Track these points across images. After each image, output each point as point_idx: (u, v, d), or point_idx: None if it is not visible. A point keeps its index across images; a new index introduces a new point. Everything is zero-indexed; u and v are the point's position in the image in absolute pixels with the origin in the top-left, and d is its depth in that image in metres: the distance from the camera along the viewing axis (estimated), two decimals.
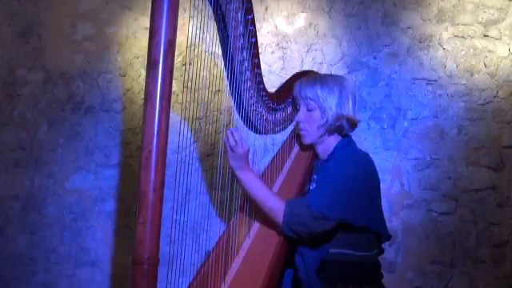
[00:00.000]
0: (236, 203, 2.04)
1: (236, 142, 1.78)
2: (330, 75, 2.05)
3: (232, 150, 1.79)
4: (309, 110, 1.94)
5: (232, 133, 1.79)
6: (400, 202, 2.82)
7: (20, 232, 3.06)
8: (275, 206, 1.78)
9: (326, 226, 1.75)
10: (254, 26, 1.84)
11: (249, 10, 1.79)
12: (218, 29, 1.78)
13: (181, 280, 1.55)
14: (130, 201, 2.98)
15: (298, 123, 2.02)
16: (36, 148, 3.10)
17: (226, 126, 2.62)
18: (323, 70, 2.88)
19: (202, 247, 1.76)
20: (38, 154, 3.09)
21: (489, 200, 2.77)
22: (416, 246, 2.79)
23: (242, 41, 1.83)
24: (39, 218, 3.06)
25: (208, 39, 1.70)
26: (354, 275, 1.83)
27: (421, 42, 2.88)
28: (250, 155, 1.85)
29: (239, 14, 1.77)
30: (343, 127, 1.95)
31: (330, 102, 1.90)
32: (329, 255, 1.81)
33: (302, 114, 1.97)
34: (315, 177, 1.96)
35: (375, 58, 2.90)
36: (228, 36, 1.78)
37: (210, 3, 1.67)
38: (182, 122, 1.96)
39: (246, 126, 2.04)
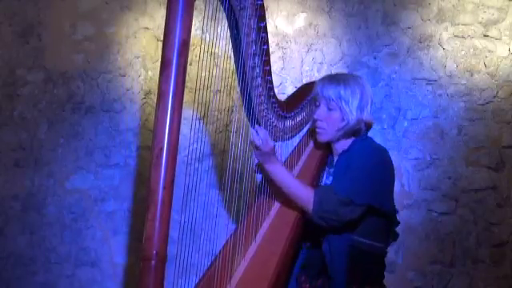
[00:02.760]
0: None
1: (261, 140, 1.81)
2: (352, 76, 2.06)
3: (257, 148, 1.82)
4: (329, 110, 1.95)
5: (257, 131, 1.82)
6: (400, 202, 2.81)
7: (20, 232, 3.06)
8: (304, 194, 1.81)
9: (354, 213, 1.78)
10: (267, 34, 1.86)
11: (262, 18, 1.81)
12: (231, 35, 1.80)
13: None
14: (130, 200, 2.99)
15: (315, 120, 2.01)
16: (36, 148, 3.10)
17: (227, 126, 2.62)
18: (323, 70, 2.88)
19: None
20: (37, 154, 3.09)
21: (489, 200, 2.77)
22: (416, 246, 2.79)
23: (254, 47, 1.84)
24: (39, 218, 3.06)
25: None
26: (373, 268, 1.87)
27: (421, 42, 2.88)
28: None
29: (252, 20, 1.78)
30: (361, 130, 1.97)
31: (352, 106, 1.91)
32: (354, 242, 1.84)
33: (321, 112, 1.97)
34: (331, 170, 2.00)
35: (375, 58, 2.90)
36: (240, 42, 1.80)
37: (224, 9, 1.69)
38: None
39: None
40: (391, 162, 1.94)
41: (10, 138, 3.12)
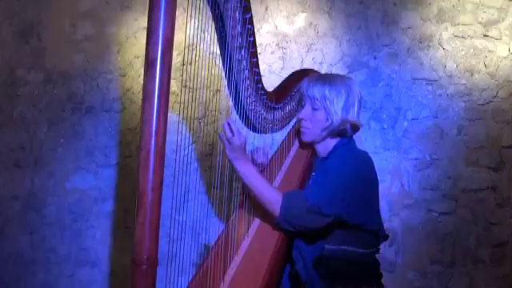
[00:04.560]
0: (235, 202, 2.04)
1: (233, 133, 1.78)
2: (339, 76, 2.02)
3: (228, 141, 1.79)
4: (314, 109, 1.93)
5: (229, 124, 1.79)
6: (400, 202, 2.82)
7: (20, 232, 3.06)
8: (272, 197, 1.78)
9: (321, 222, 1.74)
10: (253, 25, 1.82)
11: (247, 9, 1.77)
12: (216, 28, 1.76)
13: (180, 279, 1.54)
14: (130, 200, 2.98)
15: (300, 120, 2.00)
16: (36, 148, 3.10)
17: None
18: (323, 70, 2.88)
19: (201, 246, 1.76)
20: (37, 154, 3.10)
21: (489, 200, 2.76)
22: (416, 246, 2.79)
23: (240, 40, 1.81)
24: (39, 218, 3.06)
25: (207, 39, 1.69)
26: (352, 273, 1.83)
27: (421, 42, 2.87)
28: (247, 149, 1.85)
29: (237, 12, 1.75)
30: (346, 131, 1.93)
31: (337, 106, 1.88)
32: (325, 251, 1.80)
33: (306, 112, 1.95)
34: (314, 174, 1.96)
35: (375, 58, 2.90)
36: (226, 35, 1.77)
37: (208, 2, 1.66)
38: (182, 121, 1.96)
39: (245, 124, 2.04)
40: (371, 171, 1.89)
41: (10, 138, 3.12)
